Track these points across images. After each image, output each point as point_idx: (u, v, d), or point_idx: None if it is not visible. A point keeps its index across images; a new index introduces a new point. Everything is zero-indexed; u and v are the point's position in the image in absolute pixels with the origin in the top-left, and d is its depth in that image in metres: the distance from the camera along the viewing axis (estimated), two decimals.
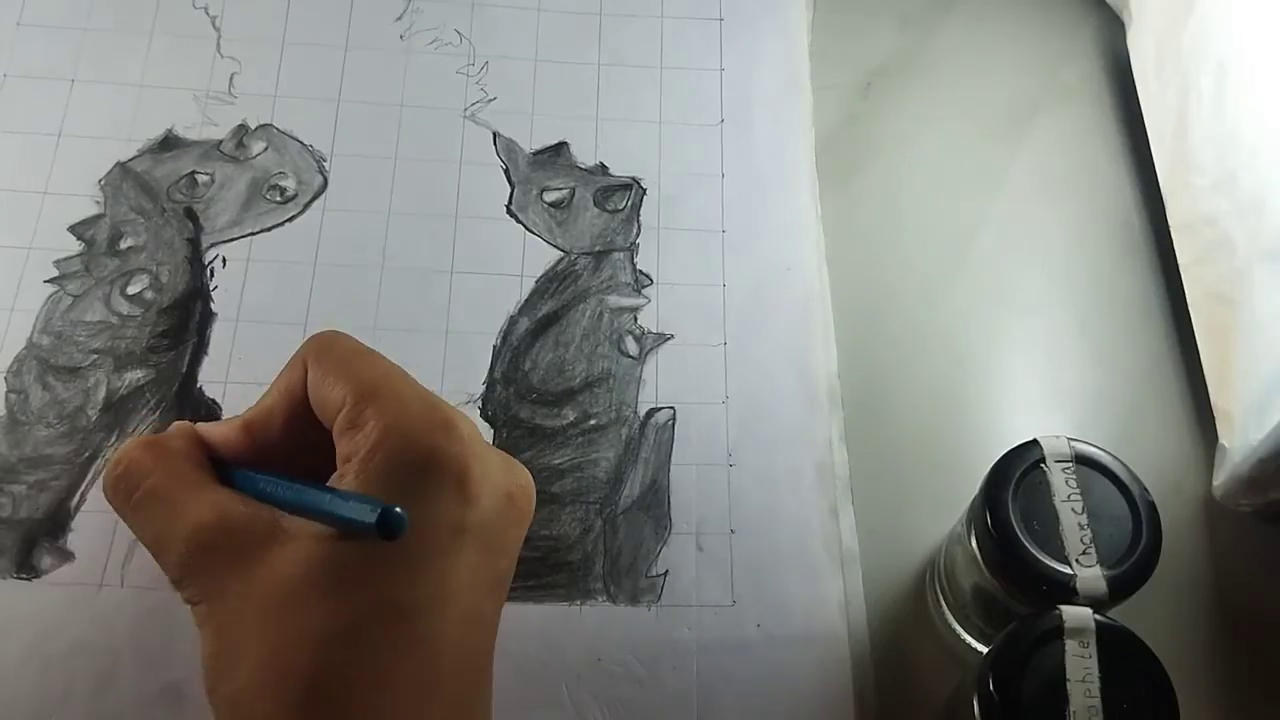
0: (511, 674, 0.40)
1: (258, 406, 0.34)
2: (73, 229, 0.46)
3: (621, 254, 0.48)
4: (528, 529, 0.33)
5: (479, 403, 0.44)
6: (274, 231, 0.47)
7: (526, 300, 0.46)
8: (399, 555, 0.29)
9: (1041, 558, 0.35)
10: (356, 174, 0.48)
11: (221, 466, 0.34)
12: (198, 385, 0.43)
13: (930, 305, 0.48)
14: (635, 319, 0.46)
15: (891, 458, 0.45)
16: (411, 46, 0.51)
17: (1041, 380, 0.48)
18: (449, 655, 0.29)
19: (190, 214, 0.47)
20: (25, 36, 0.49)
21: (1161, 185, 0.49)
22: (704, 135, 0.51)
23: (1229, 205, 0.43)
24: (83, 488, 0.41)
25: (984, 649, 0.39)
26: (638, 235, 0.48)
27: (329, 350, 0.33)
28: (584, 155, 0.50)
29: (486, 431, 0.44)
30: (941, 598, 0.42)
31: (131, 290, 0.45)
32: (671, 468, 0.44)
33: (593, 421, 0.44)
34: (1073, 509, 0.36)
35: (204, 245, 0.46)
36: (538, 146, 0.50)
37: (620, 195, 0.49)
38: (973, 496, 0.38)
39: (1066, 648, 0.33)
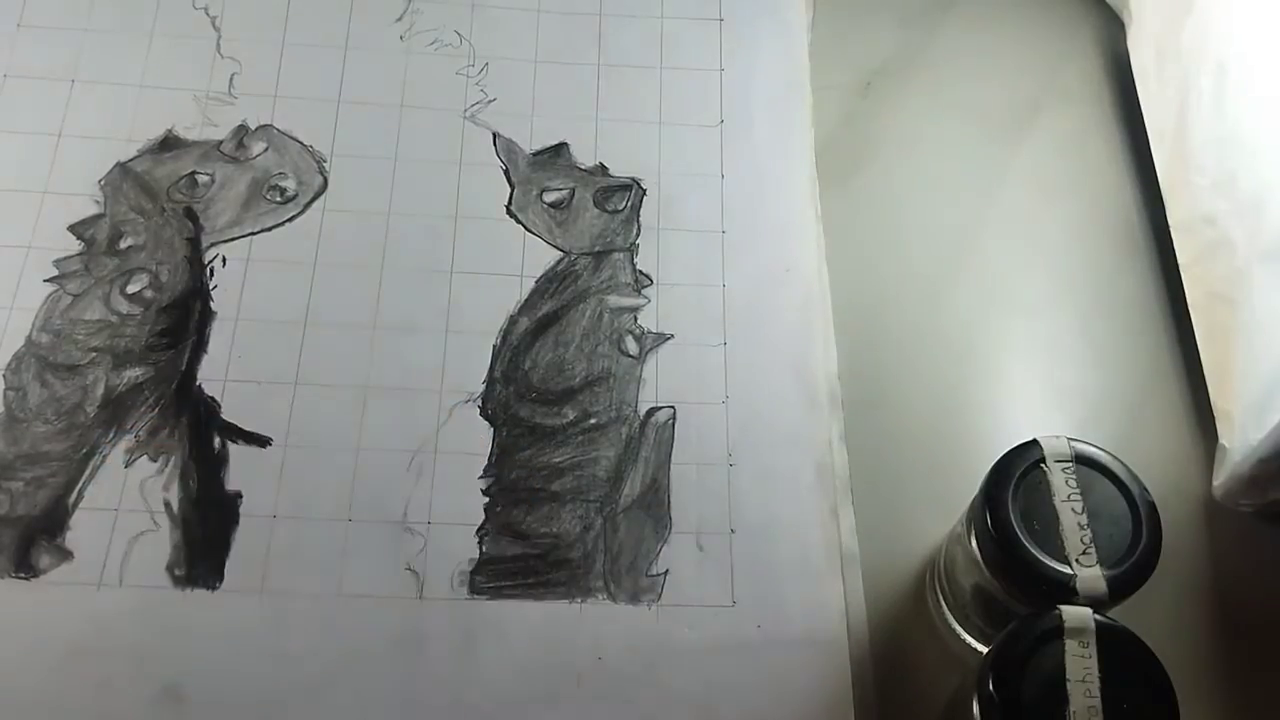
0: (511, 671, 0.40)
1: None
2: (73, 228, 0.46)
3: (621, 254, 0.48)
4: None
5: (479, 401, 0.44)
6: (274, 231, 0.47)
7: (526, 300, 0.46)
8: None
9: (1041, 558, 0.35)
10: (356, 174, 0.48)
11: None
12: (197, 383, 0.43)
13: (930, 305, 0.48)
14: (635, 319, 0.46)
15: (891, 458, 0.45)
16: (411, 47, 0.51)
17: (1041, 380, 0.48)
18: None
19: (190, 214, 0.47)
20: (26, 37, 0.50)
21: (1161, 185, 0.49)
22: (704, 136, 0.51)
23: (1229, 205, 0.43)
24: (80, 485, 0.41)
25: (984, 649, 0.39)
26: (637, 235, 0.48)
27: None
28: (584, 156, 0.50)
29: (486, 430, 0.44)
30: (941, 598, 0.42)
31: (131, 289, 0.45)
32: (671, 467, 0.44)
33: (593, 420, 0.44)
34: (1073, 509, 0.36)
35: (204, 245, 0.46)
36: (538, 147, 0.50)
37: (620, 196, 0.49)
38: (973, 496, 0.38)
39: (1066, 648, 0.33)
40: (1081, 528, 0.36)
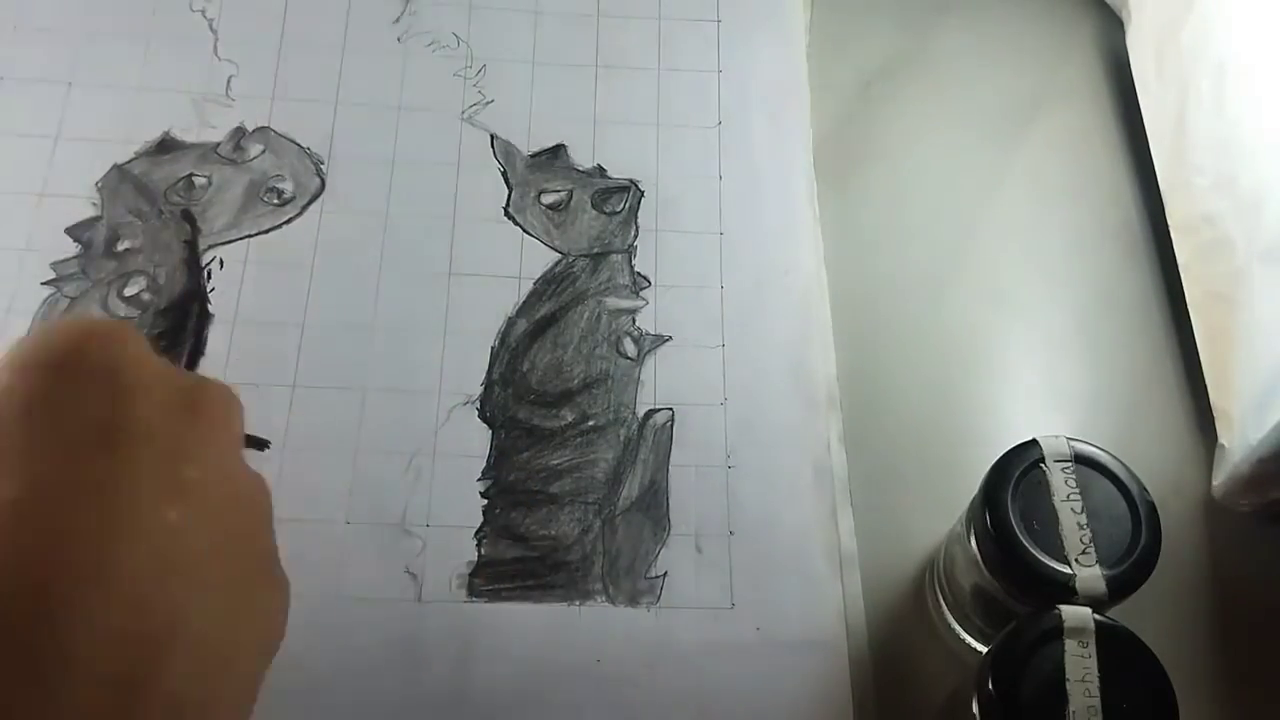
0: (510, 674, 0.40)
1: None
2: (70, 231, 0.46)
3: (619, 256, 0.48)
4: (226, 440, 0.31)
5: (477, 403, 0.44)
6: (271, 234, 0.47)
7: (524, 302, 0.46)
8: (56, 448, 0.27)
9: (1041, 558, 0.35)
10: (354, 176, 0.48)
11: None
12: None
13: (929, 305, 0.48)
14: (633, 320, 0.46)
15: (891, 459, 0.45)
16: (409, 49, 0.51)
17: (1041, 380, 0.48)
18: (124, 552, 0.26)
19: (188, 216, 0.47)
20: (23, 39, 0.49)
21: (1161, 185, 0.49)
22: (702, 137, 0.51)
23: (1228, 205, 0.43)
24: None
25: (984, 649, 0.39)
26: (636, 237, 0.48)
27: None
28: (582, 157, 0.50)
29: (485, 432, 0.44)
30: (941, 598, 0.42)
31: (129, 292, 0.45)
32: (670, 469, 0.44)
33: (591, 422, 0.44)
34: (1072, 509, 0.36)
35: (201, 247, 0.46)
36: (535, 149, 0.50)
37: (618, 197, 0.49)
38: (972, 496, 0.38)
39: (1066, 648, 0.33)
40: (1081, 527, 0.36)
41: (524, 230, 0.48)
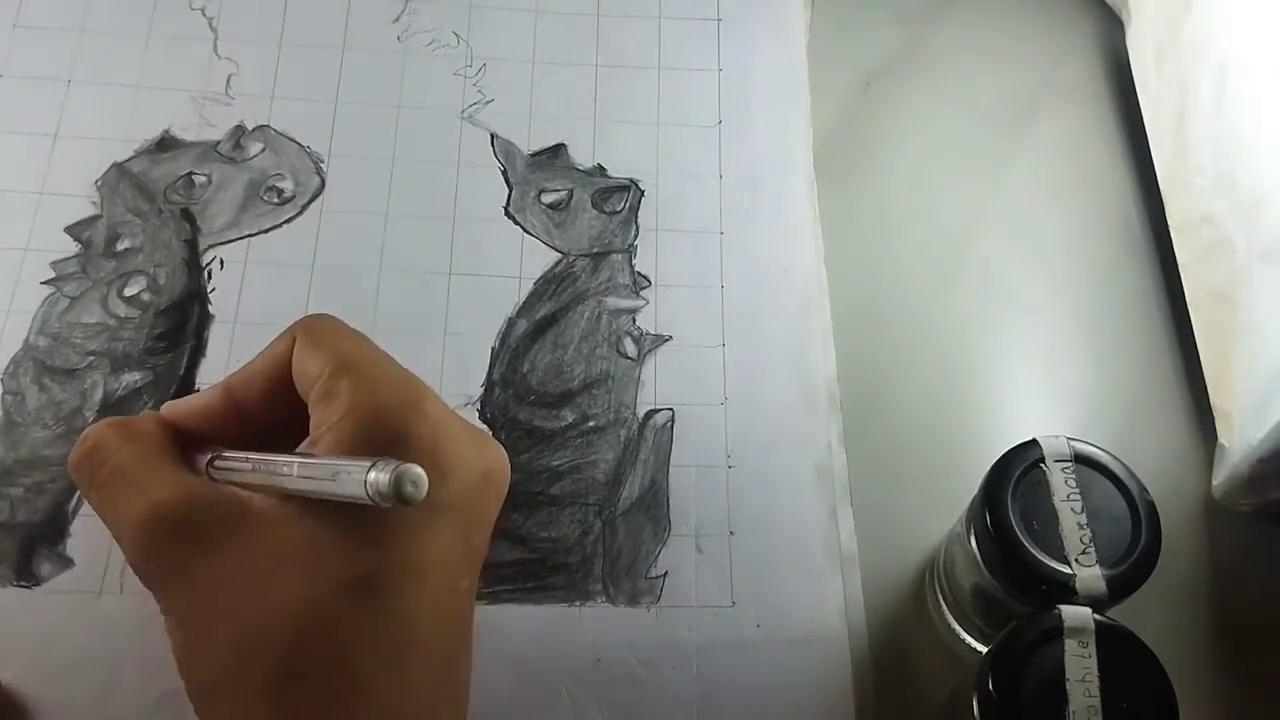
0: (511, 675, 0.40)
1: (241, 370, 0.34)
2: (69, 230, 0.46)
3: (620, 255, 0.48)
4: (501, 503, 0.33)
5: (477, 405, 0.44)
6: (271, 233, 0.47)
7: (525, 302, 0.46)
8: (371, 532, 0.29)
9: (1041, 557, 0.35)
10: (354, 175, 0.48)
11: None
12: (195, 387, 0.43)
13: (929, 305, 0.48)
14: (634, 320, 0.46)
15: (891, 458, 0.45)
16: (409, 48, 0.51)
17: (1041, 380, 0.48)
18: (423, 631, 0.29)
19: (187, 215, 0.47)
20: (22, 37, 0.49)
21: (1161, 185, 0.49)
22: (702, 136, 0.50)
23: (1228, 205, 0.43)
24: (80, 491, 0.41)
25: (984, 649, 0.39)
26: (636, 237, 0.48)
27: (319, 326, 0.33)
28: (582, 157, 0.50)
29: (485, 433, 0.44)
30: (941, 598, 0.42)
31: (129, 292, 0.45)
32: (670, 469, 0.44)
33: (591, 423, 0.44)
34: (1072, 509, 0.36)
35: (201, 247, 0.46)
36: (535, 148, 0.49)
37: (618, 197, 0.49)
38: (972, 496, 0.38)
39: (1066, 647, 0.33)
40: (1081, 527, 0.36)
41: (524, 230, 0.48)
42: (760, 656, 0.41)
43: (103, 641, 0.39)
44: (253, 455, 0.31)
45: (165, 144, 0.48)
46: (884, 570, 0.43)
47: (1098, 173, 0.52)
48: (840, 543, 0.43)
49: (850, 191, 0.51)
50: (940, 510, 0.43)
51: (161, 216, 0.46)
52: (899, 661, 0.42)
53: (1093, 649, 0.33)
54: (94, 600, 0.40)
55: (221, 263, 0.46)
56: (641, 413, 0.45)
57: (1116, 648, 0.33)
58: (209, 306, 0.45)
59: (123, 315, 0.44)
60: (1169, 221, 0.48)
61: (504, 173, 0.49)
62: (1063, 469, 0.37)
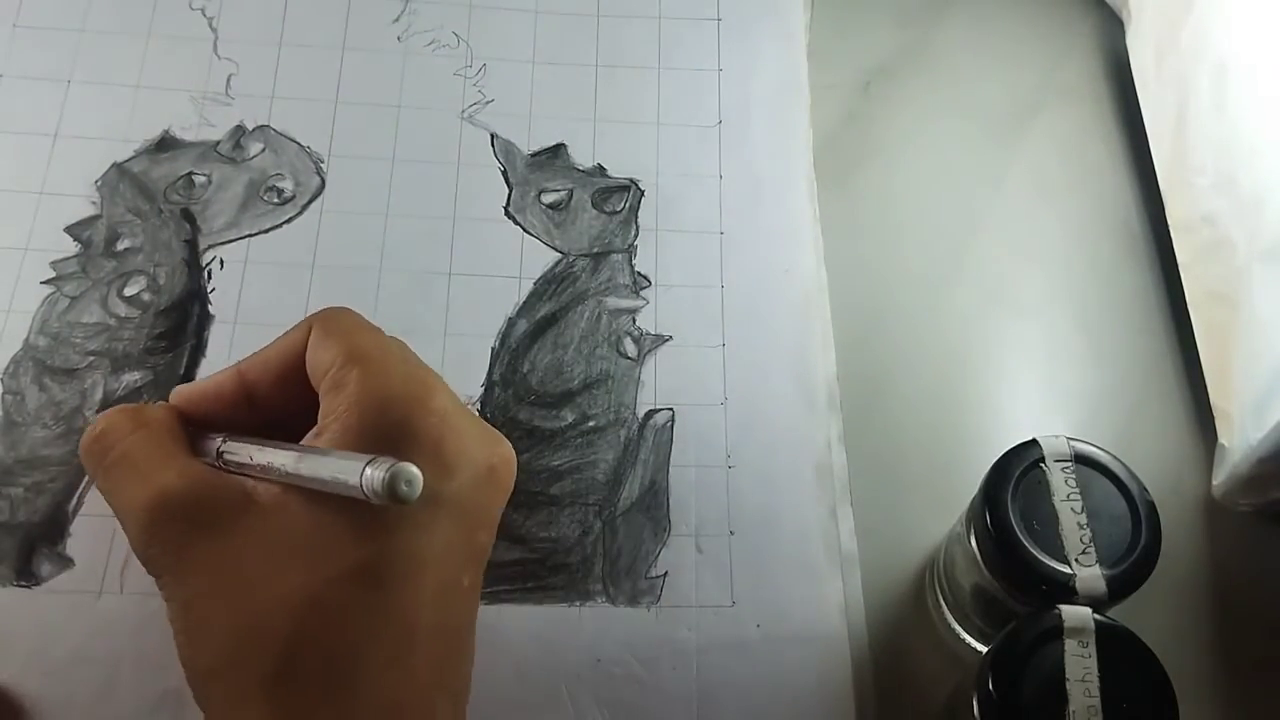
0: (511, 675, 0.40)
1: (256, 355, 0.34)
2: (69, 230, 0.46)
3: (620, 255, 0.48)
4: (506, 500, 0.33)
5: (477, 405, 0.44)
6: (271, 233, 0.47)
7: (525, 302, 0.46)
8: (375, 524, 0.29)
9: (1041, 557, 0.35)
10: (354, 175, 0.48)
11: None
12: None
13: (929, 305, 0.48)
14: (634, 320, 0.46)
15: (891, 458, 0.45)
16: (409, 48, 0.51)
17: (1041, 380, 0.48)
18: (424, 625, 0.29)
19: (187, 215, 0.47)
20: (22, 37, 0.49)
21: (1161, 185, 0.49)
22: (702, 136, 0.51)
23: (1228, 205, 0.43)
24: (80, 490, 0.41)
25: (984, 649, 0.39)
26: (636, 237, 0.48)
27: (335, 317, 0.33)
28: (582, 157, 0.50)
29: None
30: (941, 598, 0.42)
31: (129, 292, 0.45)
32: (670, 469, 0.44)
33: (591, 423, 0.44)
34: (1072, 509, 0.36)
35: (201, 247, 0.46)
36: (536, 148, 0.50)
37: (618, 197, 0.49)
38: (972, 496, 0.38)
39: (1066, 647, 0.33)
40: (1081, 527, 0.36)
41: (524, 230, 0.48)
42: (760, 656, 0.41)
43: (102, 641, 0.39)
44: (254, 443, 0.31)
45: (165, 144, 0.48)
46: (884, 570, 0.43)
47: (1098, 173, 0.52)
48: (840, 542, 0.43)
49: (850, 192, 0.51)
50: (940, 510, 0.43)
51: (161, 216, 0.46)
52: (899, 661, 0.42)
53: (1093, 649, 0.33)
54: (94, 600, 0.40)
55: (221, 263, 0.46)
56: (641, 413, 0.45)
57: (1116, 648, 0.33)
58: (209, 306, 0.45)
59: (123, 315, 0.44)
60: (1169, 221, 0.48)
61: (504, 173, 0.49)
62: (1063, 469, 0.37)
